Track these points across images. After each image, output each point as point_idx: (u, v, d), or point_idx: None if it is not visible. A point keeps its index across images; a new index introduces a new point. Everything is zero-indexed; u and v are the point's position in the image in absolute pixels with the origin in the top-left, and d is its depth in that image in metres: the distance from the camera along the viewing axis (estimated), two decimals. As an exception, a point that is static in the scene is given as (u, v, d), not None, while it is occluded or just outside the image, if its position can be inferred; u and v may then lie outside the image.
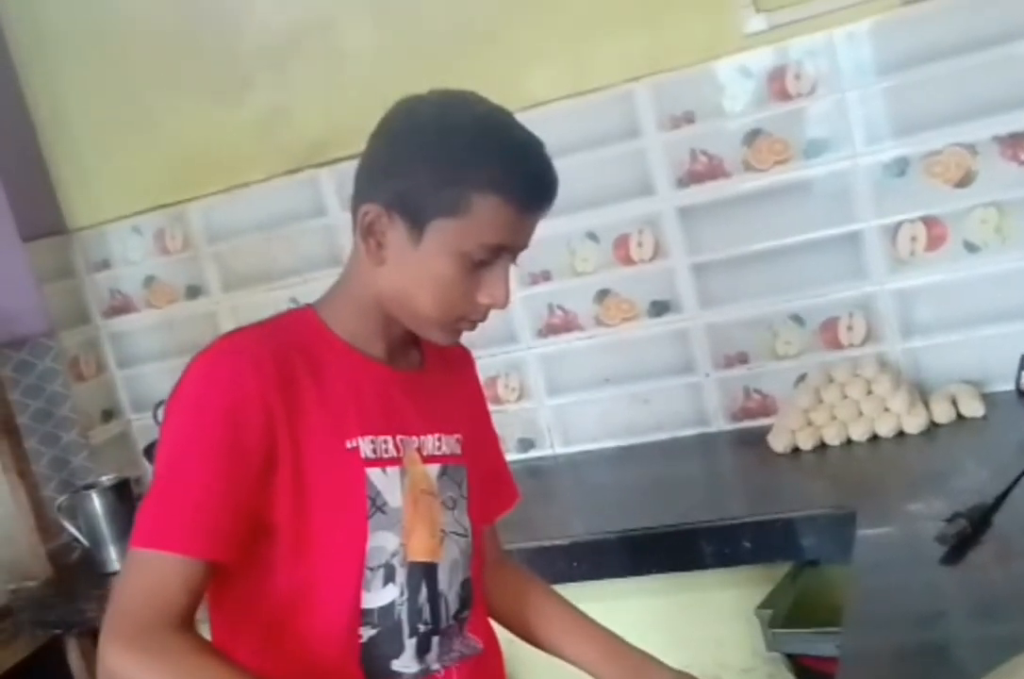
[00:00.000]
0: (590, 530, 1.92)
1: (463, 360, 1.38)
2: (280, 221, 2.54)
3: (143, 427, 2.70)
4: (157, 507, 1.09)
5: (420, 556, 1.19)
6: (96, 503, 2.29)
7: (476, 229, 1.11)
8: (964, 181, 2.09)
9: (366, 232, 1.15)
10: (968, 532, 1.43)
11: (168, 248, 2.67)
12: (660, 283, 2.31)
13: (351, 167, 1.20)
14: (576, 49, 2.27)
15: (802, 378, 2.22)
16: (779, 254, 2.21)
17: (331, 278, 1.25)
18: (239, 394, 1.09)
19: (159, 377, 2.62)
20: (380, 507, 1.16)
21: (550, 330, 2.42)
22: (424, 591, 1.19)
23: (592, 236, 2.34)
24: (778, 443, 2.09)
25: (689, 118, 2.22)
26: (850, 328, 2.21)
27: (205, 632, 1.14)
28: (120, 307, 2.74)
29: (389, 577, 1.16)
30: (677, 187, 2.26)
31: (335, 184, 2.43)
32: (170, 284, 2.69)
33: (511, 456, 2.19)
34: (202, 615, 1.12)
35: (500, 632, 1.35)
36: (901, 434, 2.02)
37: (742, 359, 2.29)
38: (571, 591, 1.42)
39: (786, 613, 1.72)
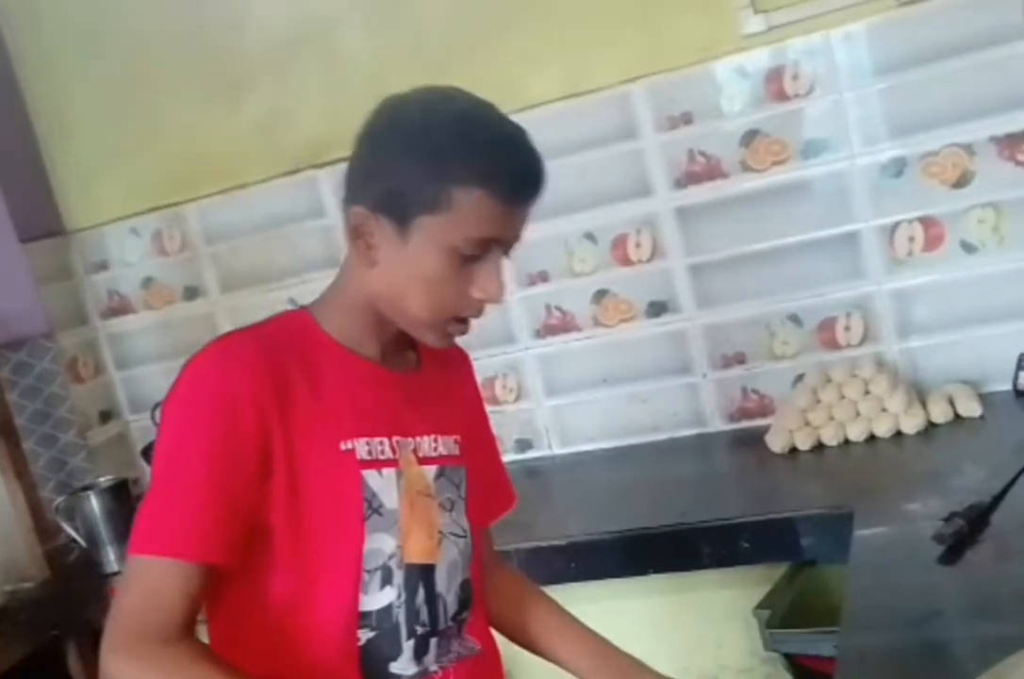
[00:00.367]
0: (587, 530, 1.92)
1: (460, 361, 1.37)
2: (278, 222, 2.54)
3: (141, 428, 2.70)
4: (152, 513, 1.09)
5: (417, 558, 1.18)
6: (94, 504, 2.29)
7: (461, 223, 1.10)
8: (961, 181, 2.09)
9: (355, 234, 1.15)
10: (965, 532, 1.43)
11: (166, 249, 2.67)
12: (658, 283, 2.31)
13: (349, 168, 1.20)
14: (574, 50, 2.27)
15: (800, 378, 2.22)
16: (777, 254, 2.21)
17: (330, 279, 1.24)
18: (232, 397, 1.09)
19: (157, 378, 2.61)
20: (376, 509, 1.15)
21: (548, 331, 2.42)
22: (422, 593, 1.18)
23: (590, 237, 2.34)
24: (776, 443, 2.09)
25: (687, 119, 2.22)
26: (848, 328, 2.21)
27: (204, 635, 1.15)
28: (118, 308, 2.74)
29: (386, 579, 1.16)
30: (675, 188, 2.26)
31: (333, 185, 2.43)
32: (168, 285, 2.69)
33: (509, 457, 2.20)
34: (201, 616, 1.12)
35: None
36: (899, 434, 2.02)
37: (740, 359, 2.29)
38: (568, 592, 1.42)
39: (784, 613, 1.72)
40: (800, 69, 2.14)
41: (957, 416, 2.02)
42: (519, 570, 1.50)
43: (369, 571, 1.15)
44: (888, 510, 1.64)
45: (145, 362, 2.73)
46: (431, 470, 1.22)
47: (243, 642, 1.16)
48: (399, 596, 1.17)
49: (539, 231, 2.36)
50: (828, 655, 1.51)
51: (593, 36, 2.25)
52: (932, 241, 2.13)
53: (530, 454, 2.47)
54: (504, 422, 2.39)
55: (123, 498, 2.33)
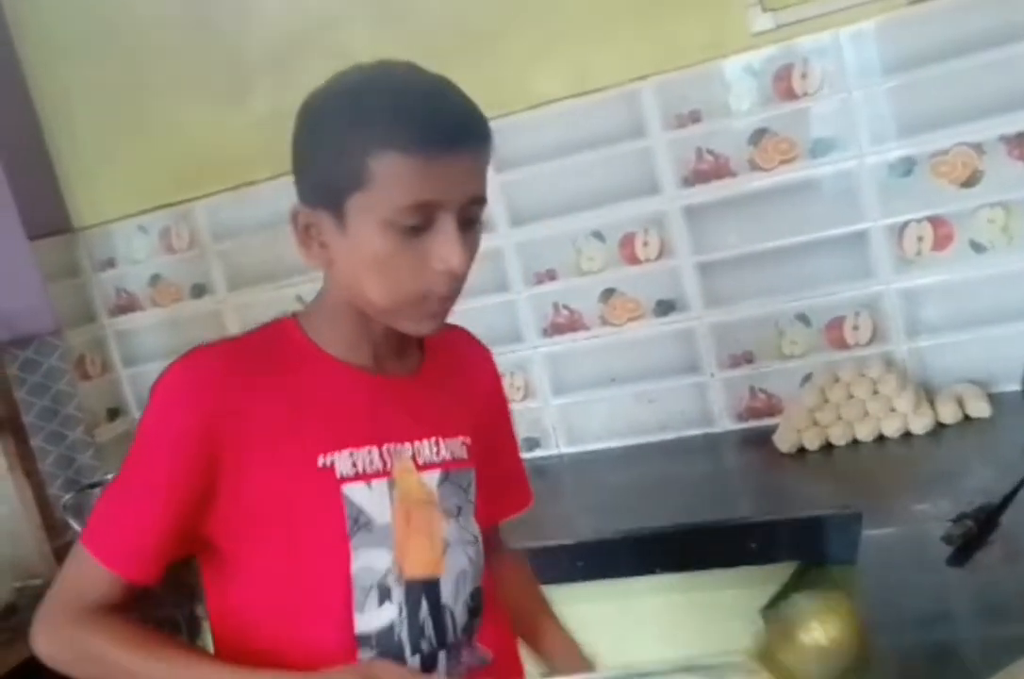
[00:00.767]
0: (595, 530, 1.92)
1: (477, 359, 1.30)
2: (286, 220, 2.50)
3: (148, 425, 2.70)
4: (104, 513, 1.14)
5: (419, 572, 1.12)
6: (101, 501, 2.29)
7: (386, 193, 1.01)
8: (971, 181, 2.08)
9: (305, 236, 1.10)
10: (974, 532, 1.42)
11: (174, 247, 2.67)
12: (666, 282, 2.31)
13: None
14: (582, 48, 2.26)
15: (808, 378, 2.22)
16: (785, 253, 2.21)
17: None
18: (181, 423, 1.06)
19: (165, 376, 2.61)
20: (364, 525, 1.09)
21: (555, 329, 2.42)
22: (425, 607, 1.12)
23: (598, 235, 2.34)
24: (784, 443, 2.08)
25: (695, 117, 2.22)
26: (856, 328, 2.20)
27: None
28: (126, 306, 2.75)
29: (384, 597, 1.10)
30: (683, 186, 2.25)
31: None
32: (175, 283, 2.69)
33: (516, 455, 2.20)
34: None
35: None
36: (907, 434, 2.02)
37: (748, 359, 2.29)
38: (576, 591, 1.42)
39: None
40: (809, 67, 2.13)
41: (966, 416, 2.02)
42: (542, 565, 1.43)
43: (362, 590, 1.09)
44: (897, 510, 1.64)
45: (153, 359, 2.73)
46: (433, 476, 1.15)
47: (244, 664, 1.11)
48: (400, 613, 1.11)
49: (547, 229, 2.39)
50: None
51: (601, 34, 2.25)
52: (941, 241, 2.12)
53: (537, 453, 2.46)
54: (511, 421, 2.38)
55: (130, 495, 2.33)
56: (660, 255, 2.30)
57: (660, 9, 2.21)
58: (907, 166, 2.11)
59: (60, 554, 2.35)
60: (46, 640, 1.12)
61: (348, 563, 1.09)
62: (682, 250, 2.28)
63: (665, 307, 2.32)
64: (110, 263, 2.73)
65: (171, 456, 1.07)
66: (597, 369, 2.40)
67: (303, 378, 1.11)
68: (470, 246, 1.07)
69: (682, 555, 1.82)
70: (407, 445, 1.14)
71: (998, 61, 2.02)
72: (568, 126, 2.27)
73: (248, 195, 2.55)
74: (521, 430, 2.45)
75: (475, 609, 1.17)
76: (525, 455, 2.42)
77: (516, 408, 2.45)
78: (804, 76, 2.14)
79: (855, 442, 2.05)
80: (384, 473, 1.12)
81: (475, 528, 1.19)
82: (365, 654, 1.10)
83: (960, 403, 2.03)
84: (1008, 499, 1.51)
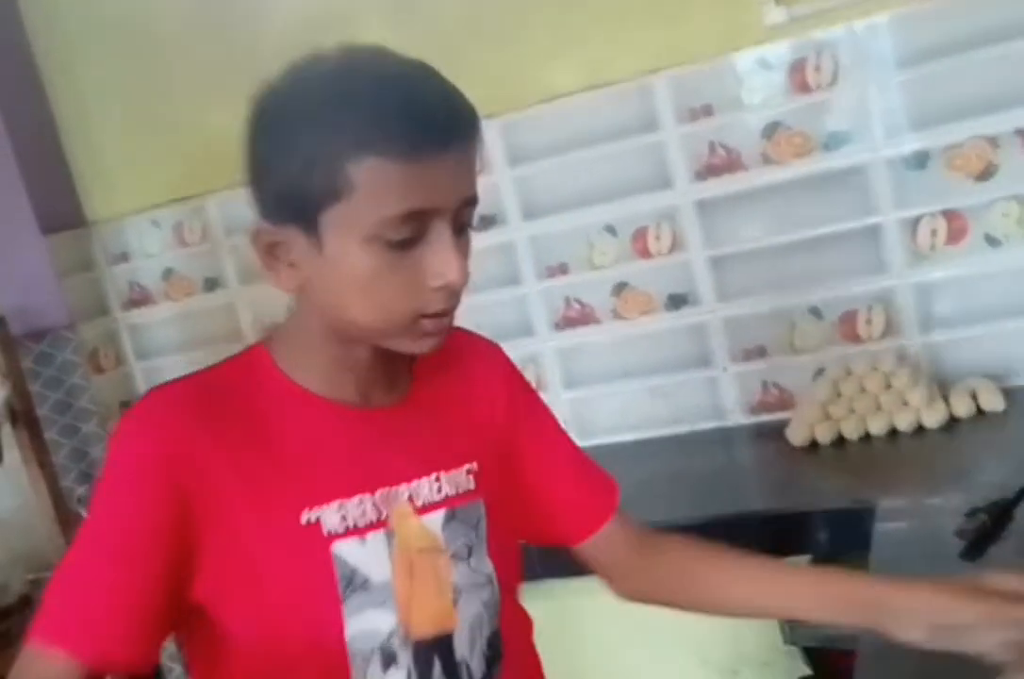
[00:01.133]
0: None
1: (482, 359, 1.16)
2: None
3: (161, 419, 2.71)
4: (60, 594, 0.96)
5: (428, 630, 1.00)
6: (115, 494, 2.30)
7: (370, 204, 0.89)
8: (985, 174, 2.07)
9: (269, 258, 0.95)
10: (988, 527, 1.42)
11: (186, 241, 2.68)
12: (678, 276, 2.31)
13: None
14: (594, 42, 2.26)
15: (820, 372, 2.21)
16: (798, 247, 2.20)
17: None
18: (138, 488, 0.93)
19: (177, 369, 2.56)
20: (360, 585, 0.97)
21: (567, 323, 2.41)
22: (438, 667, 1.01)
23: (610, 229, 2.33)
24: (796, 437, 2.08)
25: (708, 111, 2.21)
26: (869, 322, 2.20)
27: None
28: (139, 300, 2.76)
29: (389, 661, 0.98)
30: (695, 180, 2.25)
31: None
32: (188, 277, 2.70)
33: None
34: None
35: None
36: (920, 428, 2.01)
37: (760, 352, 2.28)
38: (589, 584, 1.41)
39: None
40: (823, 61, 2.13)
41: (979, 410, 2.01)
42: (560, 559, 1.34)
43: (362, 657, 0.97)
44: (909, 505, 1.63)
45: (165, 353, 2.74)
46: (436, 517, 1.03)
47: None
48: (409, 676, 0.99)
49: (559, 223, 2.39)
50: (848, 649, 1.50)
51: (613, 27, 2.24)
52: (955, 234, 2.11)
53: (549, 447, 2.46)
54: (523, 415, 2.38)
55: (144, 489, 2.34)
56: (672, 249, 2.30)
57: (673, 2, 2.20)
58: (921, 159, 2.10)
59: (74, 547, 2.37)
60: None
61: (342, 629, 0.96)
62: (694, 244, 2.28)
63: (677, 301, 2.32)
64: (123, 257, 2.74)
65: (138, 514, 0.93)
66: (609, 363, 2.40)
67: (279, 420, 0.99)
68: (465, 254, 0.95)
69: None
70: (403, 487, 1.02)
71: (1013, 54, 2.01)
72: (580, 120, 2.26)
73: (260, 189, 2.56)
74: (533, 424, 2.46)
75: (493, 657, 1.06)
76: (537, 449, 2.44)
77: (528, 402, 2.46)
78: (818, 69, 2.13)
79: (868, 436, 2.04)
80: (379, 524, 0.99)
81: (488, 566, 1.06)
82: None
83: (974, 397, 2.02)
84: (1022, 493, 1.51)
